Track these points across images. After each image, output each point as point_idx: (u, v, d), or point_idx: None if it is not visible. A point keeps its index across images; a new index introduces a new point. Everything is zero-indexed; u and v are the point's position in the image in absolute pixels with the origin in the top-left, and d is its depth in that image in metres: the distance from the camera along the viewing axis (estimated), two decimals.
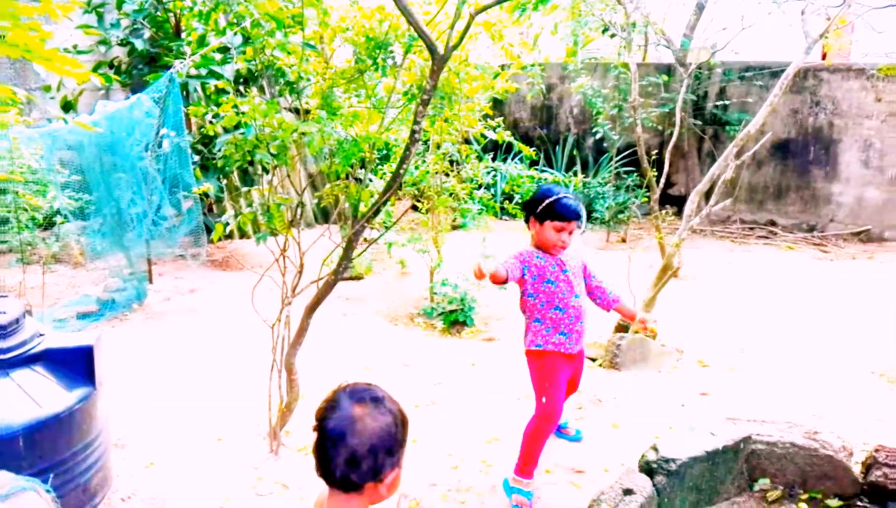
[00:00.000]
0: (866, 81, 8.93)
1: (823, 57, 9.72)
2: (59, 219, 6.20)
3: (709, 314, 6.16)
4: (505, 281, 3.20)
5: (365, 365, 4.91)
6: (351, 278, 7.03)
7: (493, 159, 8.69)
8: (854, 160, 9.18)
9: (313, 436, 1.60)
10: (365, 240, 5.32)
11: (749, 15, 7.07)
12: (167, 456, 3.65)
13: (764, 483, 3.23)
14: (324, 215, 9.57)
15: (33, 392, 2.89)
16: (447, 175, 6.36)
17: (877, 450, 3.18)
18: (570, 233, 3.19)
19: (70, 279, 6.81)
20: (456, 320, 6.04)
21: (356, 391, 1.62)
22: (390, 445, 1.58)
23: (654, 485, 2.93)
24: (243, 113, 3.17)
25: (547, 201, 3.16)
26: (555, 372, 3.25)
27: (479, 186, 6.57)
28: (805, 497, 3.16)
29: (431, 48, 2.77)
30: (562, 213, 3.14)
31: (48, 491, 2.07)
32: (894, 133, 8.85)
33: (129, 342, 5.28)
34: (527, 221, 3.31)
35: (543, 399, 3.25)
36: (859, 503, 3.11)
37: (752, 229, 9.74)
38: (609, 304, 3.45)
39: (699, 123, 9.96)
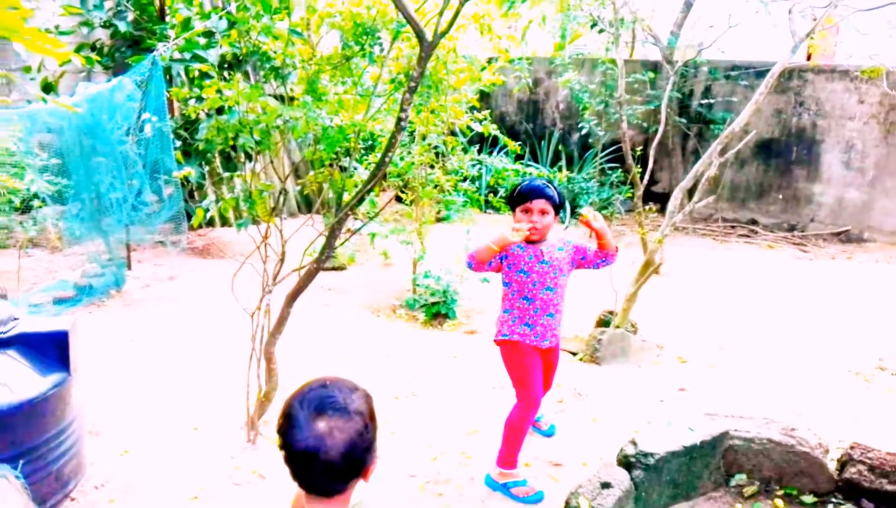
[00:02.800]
0: (850, 82, 9.00)
1: (808, 58, 9.78)
2: (36, 203, 6.10)
3: (689, 311, 6.19)
4: (483, 266, 3.20)
5: (345, 356, 4.88)
6: (333, 269, 6.99)
7: (479, 152, 8.66)
8: (836, 161, 9.25)
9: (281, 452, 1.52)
10: (348, 230, 5.28)
11: (736, 14, 7.09)
12: (143, 445, 3.61)
13: (740, 478, 3.25)
14: (307, 205, 9.50)
15: (6, 377, 2.85)
16: (432, 167, 6.33)
17: (852, 448, 3.21)
18: (543, 213, 3.17)
19: (47, 264, 6.71)
20: (438, 312, 6.03)
21: (315, 402, 1.51)
22: (365, 446, 1.52)
23: (632, 479, 2.94)
24: (226, 97, 3.12)
25: (514, 192, 3.28)
26: (524, 361, 3.27)
27: (465, 179, 6.55)
28: (781, 493, 3.19)
29: (420, 34, 2.75)
30: (523, 194, 3.20)
31: (18, 478, 2.04)
32: (875, 135, 8.93)
33: (107, 328, 5.21)
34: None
35: (521, 388, 3.27)
36: (834, 499, 3.14)
37: (733, 227, 9.80)
38: (600, 256, 3.34)
39: (684, 120, 9.99)
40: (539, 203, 3.15)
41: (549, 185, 3.22)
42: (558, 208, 3.24)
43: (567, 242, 3.36)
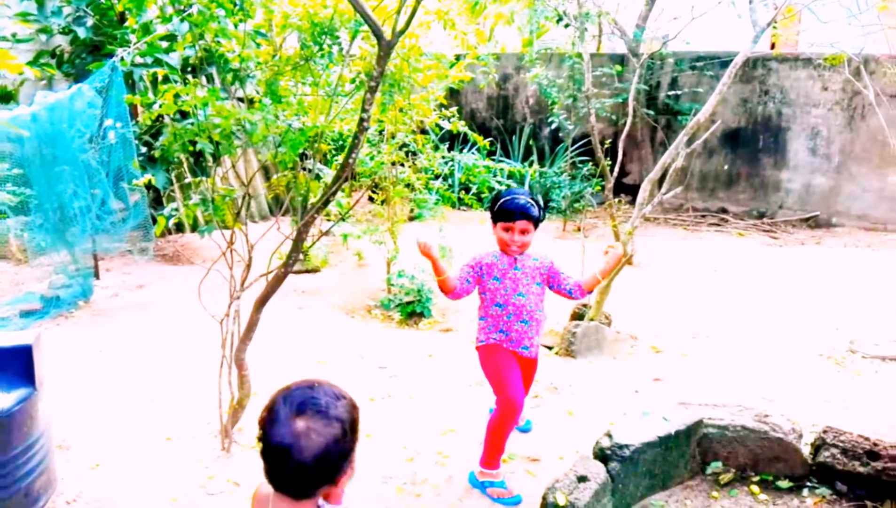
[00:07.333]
0: (813, 70, 9.13)
1: (772, 47, 9.90)
2: None
3: (662, 301, 6.23)
4: (453, 291, 3.22)
5: (319, 359, 4.83)
6: (307, 271, 6.93)
7: (450, 149, 8.63)
8: (802, 148, 9.38)
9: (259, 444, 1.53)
10: (319, 231, 5.23)
11: (699, 5, 7.12)
12: (114, 457, 3.54)
13: (716, 466, 3.27)
14: (279, 207, 9.42)
15: None
16: (403, 165, 6.29)
17: (825, 431, 3.24)
18: (523, 232, 3.17)
19: (13, 277, 6.57)
20: (413, 311, 6.00)
21: (297, 400, 1.51)
22: (340, 454, 1.50)
23: (609, 471, 2.94)
24: (184, 102, 3.07)
25: (497, 204, 3.22)
26: (500, 363, 3.25)
27: (436, 177, 6.52)
28: (756, 479, 3.21)
29: (377, 33, 2.72)
30: (506, 210, 3.18)
31: None
32: (840, 121, 9.07)
33: (75, 340, 5.11)
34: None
35: (500, 393, 3.24)
36: (809, 483, 3.17)
37: (703, 216, 9.89)
38: (577, 295, 3.35)
39: (652, 112, 10.06)
40: (521, 224, 3.16)
41: (532, 200, 3.20)
42: (539, 222, 3.23)
43: (544, 257, 3.35)
